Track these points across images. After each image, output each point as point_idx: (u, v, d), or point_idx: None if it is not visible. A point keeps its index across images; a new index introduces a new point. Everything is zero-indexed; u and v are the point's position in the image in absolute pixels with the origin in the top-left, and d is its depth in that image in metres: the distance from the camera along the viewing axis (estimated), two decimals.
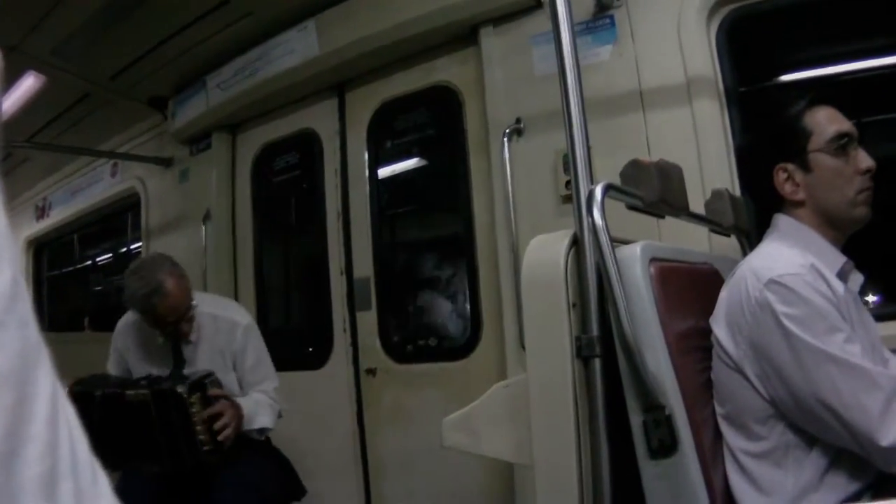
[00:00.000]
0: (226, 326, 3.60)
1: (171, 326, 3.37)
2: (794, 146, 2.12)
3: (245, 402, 3.37)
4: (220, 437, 3.15)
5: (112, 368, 3.68)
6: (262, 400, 3.50)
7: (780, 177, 2.14)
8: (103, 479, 0.80)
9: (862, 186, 2.08)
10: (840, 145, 2.07)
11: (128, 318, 3.71)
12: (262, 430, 3.48)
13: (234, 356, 3.58)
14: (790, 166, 2.12)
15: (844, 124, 2.12)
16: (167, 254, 3.52)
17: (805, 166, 2.11)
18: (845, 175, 2.07)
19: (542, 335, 1.93)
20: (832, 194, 2.09)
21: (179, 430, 3.08)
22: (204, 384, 3.20)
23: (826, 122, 2.11)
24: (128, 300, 3.34)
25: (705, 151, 3.24)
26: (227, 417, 3.19)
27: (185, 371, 3.46)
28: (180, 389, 3.08)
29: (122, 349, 3.68)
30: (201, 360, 3.53)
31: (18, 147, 6.56)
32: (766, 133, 2.29)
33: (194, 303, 3.45)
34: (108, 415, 3.12)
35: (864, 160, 2.08)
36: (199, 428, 3.10)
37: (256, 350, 3.65)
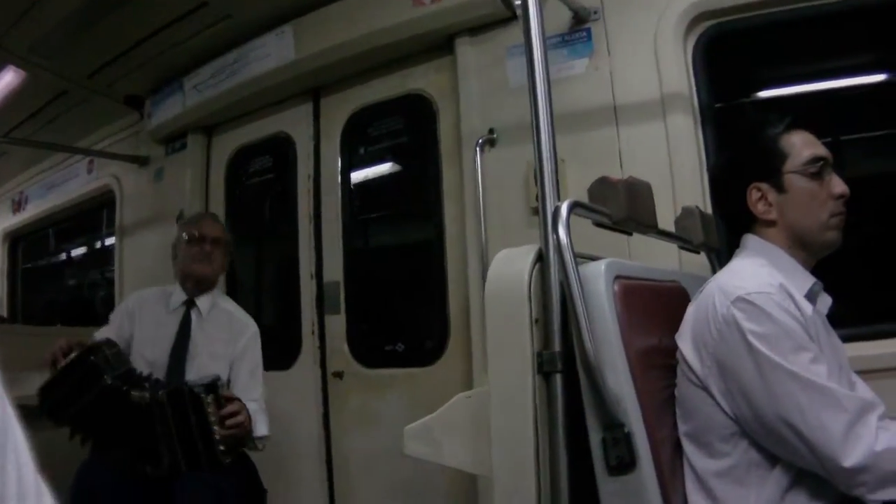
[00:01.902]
0: (238, 325, 3.74)
1: (198, 246, 3.64)
2: (770, 166, 2.13)
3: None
4: (233, 433, 3.20)
5: (109, 334, 3.63)
6: (258, 409, 3.52)
7: (754, 196, 2.15)
8: (48, 499, 0.80)
9: (834, 211, 2.09)
10: (816, 169, 2.09)
11: (148, 290, 3.91)
12: (260, 439, 3.49)
13: (234, 355, 3.65)
14: (764, 186, 2.13)
15: (821, 149, 2.14)
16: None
17: (779, 187, 2.12)
18: (819, 198, 2.09)
19: (504, 349, 1.94)
20: (805, 216, 2.10)
21: (196, 430, 3.10)
22: (217, 386, 3.24)
23: (803, 145, 2.13)
24: (180, 226, 3.80)
25: (678, 167, 3.25)
26: (242, 416, 3.24)
27: (190, 346, 3.60)
28: (197, 391, 3.12)
29: (132, 311, 3.74)
30: (207, 337, 3.64)
31: None
32: (741, 151, 2.30)
33: (225, 253, 3.82)
34: (106, 404, 3.13)
35: (838, 185, 2.10)
36: (215, 428, 3.13)
37: (256, 357, 3.74)
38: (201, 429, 3.09)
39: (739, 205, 2.18)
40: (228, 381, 3.60)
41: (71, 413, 3.16)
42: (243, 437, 3.31)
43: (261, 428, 3.46)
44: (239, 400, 3.33)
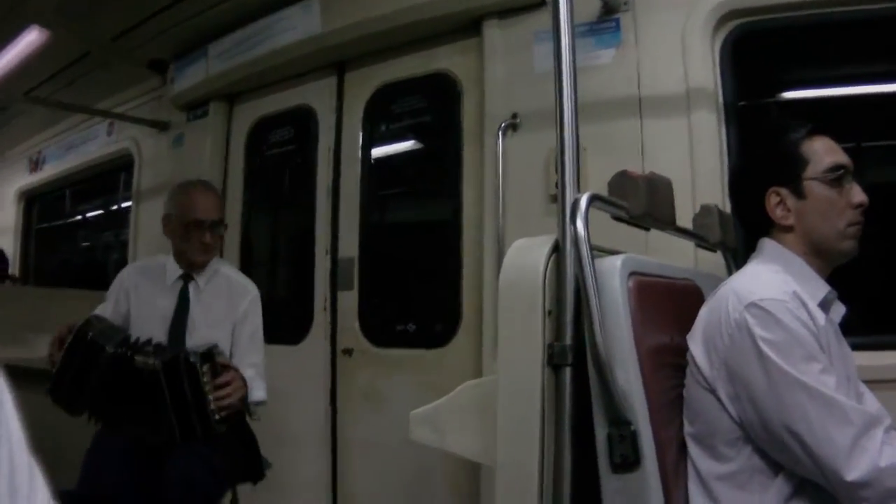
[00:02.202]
0: (238, 289, 3.70)
1: (197, 232, 3.49)
2: (790, 172, 2.11)
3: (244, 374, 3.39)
4: (226, 403, 3.18)
5: (106, 311, 3.63)
6: (255, 375, 3.51)
7: (773, 200, 2.13)
8: (40, 479, 0.80)
9: (852, 220, 2.07)
10: (836, 176, 2.07)
11: (139, 262, 3.94)
12: (258, 404, 3.50)
13: (235, 320, 3.63)
14: (783, 191, 2.12)
15: (842, 157, 2.12)
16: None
17: (799, 193, 2.10)
18: (838, 206, 2.07)
19: (515, 339, 1.93)
20: (823, 224, 2.08)
21: (191, 399, 3.08)
22: (212, 354, 3.21)
23: (824, 152, 2.11)
24: (170, 199, 3.63)
25: (699, 164, 3.24)
26: (235, 385, 3.24)
27: (189, 320, 3.55)
28: (193, 359, 3.10)
29: (128, 287, 3.68)
30: (207, 308, 3.59)
31: (15, 101, 6.54)
32: (762, 155, 2.28)
33: (223, 232, 3.71)
34: (115, 373, 3.13)
35: (858, 194, 2.08)
36: (210, 398, 3.12)
37: (256, 321, 3.71)
38: (195, 398, 3.08)
39: (757, 208, 2.17)
40: (232, 346, 3.60)
41: (86, 398, 3.17)
42: (238, 405, 3.29)
43: (257, 393, 3.47)
44: (235, 369, 3.33)
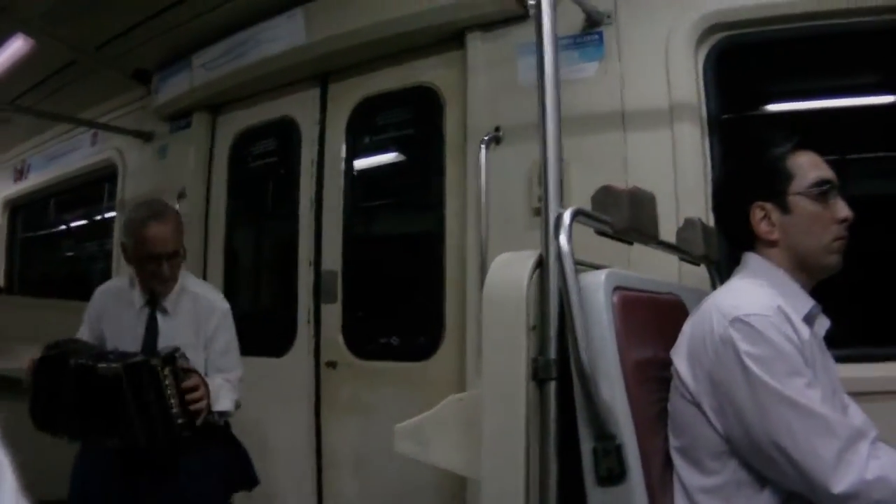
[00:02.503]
0: (205, 306, 3.60)
1: (154, 263, 3.37)
2: (775, 186, 2.12)
3: (210, 382, 3.33)
4: (192, 408, 3.12)
5: (83, 334, 3.62)
6: (223, 384, 3.45)
7: (757, 215, 2.13)
8: (8, 471, 0.80)
9: (837, 235, 2.08)
10: (821, 191, 2.07)
11: (109, 284, 3.77)
12: (222, 414, 3.43)
13: (206, 337, 3.57)
14: (768, 205, 2.12)
15: (827, 172, 2.12)
16: None
17: (784, 207, 2.10)
18: (823, 221, 2.08)
19: (499, 354, 1.93)
20: (807, 239, 2.09)
21: (153, 403, 3.03)
22: (174, 357, 3.15)
23: (809, 167, 2.11)
24: (125, 227, 3.42)
25: (682, 177, 3.25)
26: (201, 391, 3.18)
27: (159, 343, 3.45)
28: (154, 362, 3.04)
29: (99, 312, 3.64)
30: (176, 332, 3.51)
31: (0, 109, 6.53)
32: (747, 169, 2.29)
33: (183, 258, 3.53)
34: (80, 385, 3.08)
35: (843, 209, 2.08)
36: (172, 401, 3.06)
37: (228, 336, 3.64)
38: (158, 401, 3.04)
39: (742, 222, 2.17)
40: (206, 363, 3.55)
41: (62, 417, 3.14)
42: (202, 410, 3.21)
43: (223, 403, 3.39)
44: (198, 373, 3.27)
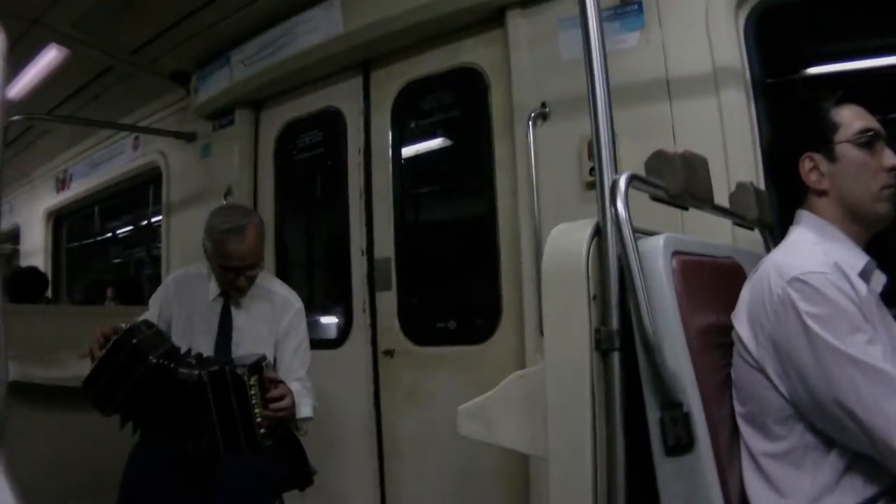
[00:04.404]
0: (280, 303, 3.64)
1: (231, 273, 3.41)
2: (822, 136, 2.13)
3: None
4: (278, 416, 3.16)
5: (150, 318, 3.60)
6: (302, 390, 3.48)
7: (806, 165, 2.15)
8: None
9: (886, 182, 2.07)
10: (867, 139, 2.08)
11: (184, 271, 3.80)
12: (304, 420, 3.45)
13: (279, 335, 3.60)
14: (816, 156, 2.13)
15: (872, 122, 2.13)
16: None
17: (831, 156, 2.11)
18: (870, 169, 2.08)
19: (561, 326, 1.91)
20: (856, 186, 2.09)
21: (237, 412, 3.04)
22: (261, 367, 3.17)
23: (854, 117, 2.13)
24: (206, 232, 3.42)
25: (731, 143, 3.21)
26: (288, 400, 3.21)
27: (234, 338, 3.53)
28: (240, 371, 3.05)
29: (171, 299, 3.68)
30: (250, 326, 3.56)
31: (39, 120, 6.58)
32: (794, 123, 2.31)
33: (261, 267, 3.55)
34: (155, 383, 3.10)
35: (890, 157, 2.08)
36: (256, 411, 3.07)
37: (301, 335, 3.67)
38: (242, 411, 3.04)
39: (792, 176, 2.19)
40: (274, 360, 3.57)
41: (119, 401, 3.14)
42: (286, 420, 3.27)
43: (304, 409, 3.42)
44: (284, 383, 3.28)
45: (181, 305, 3.64)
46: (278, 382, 3.25)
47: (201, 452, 3.13)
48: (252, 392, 3.06)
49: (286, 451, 3.46)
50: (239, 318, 3.56)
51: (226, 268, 3.40)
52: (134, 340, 3.14)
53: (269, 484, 3.25)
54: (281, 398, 3.17)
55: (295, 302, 3.69)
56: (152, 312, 3.66)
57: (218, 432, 3.05)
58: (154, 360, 3.10)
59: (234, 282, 3.45)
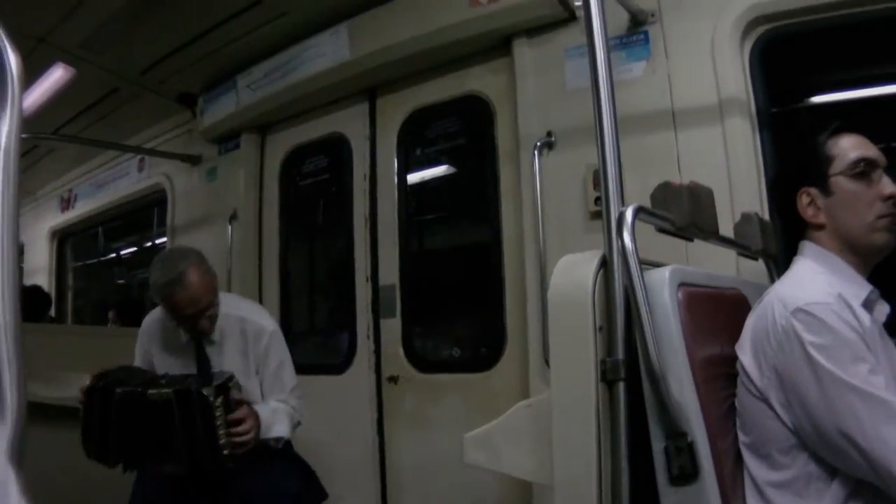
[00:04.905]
0: (252, 330, 3.58)
1: (189, 321, 3.35)
2: (817, 170, 2.14)
3: (262, 410, 3.34)
4: (239, 441, 3.11)
5: (139, 364, 3.66)
6: (279, 409, 3.47)
7: (804, 200, 2.16)
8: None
9: (882, 212, 2.07)
10: (860, 170, 2.09)
11: (153, 315, 3.72)
12: (277, 439, 3.44)
13: (258, 361, 3.57)
14: (812, 190, 2.15)
15: (869, 151, 2.13)
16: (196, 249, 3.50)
17: (826, 190, 2.13)
18: (865, 199, 2.08)
19: (567, 356, 1.93)
20: (851, 218, 2.10)
21: (201, 431, 3.03)
22: (227, 387, 3.15)
23: (849, 148, 2.13)
24: (150, 288, 3.36)
25: (735, 172, 3.23)
26: (248, 424, 3.17)
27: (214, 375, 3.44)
28: (206, 391, 3.03)
29: (148, 345, 3.66)
30: (225, 361, 3.51)
31: (44, 139, 6.59)
32: (791, 158, 2.35)
33: (219, 301, 3.47)
34: (129, 413, 3.09)
35: (888, 186, 2.09)
36: (221, 432, 3.05)
37: (279, 356, 3.63)
38: (206, 430, 3.03)
39: (792, 211, 2.20)
40: (261, 386, 3.57)
41: (114, 446, 3.13)
42: (248, 443, 3.20)
43: (278, 428, 3.41)
44: (248, 405, 3.27)
45: (157, 352, 3.63)
46: (243, 404, 3.24)
47: (174, 470, 3.15)
48: (217, 413, 3.05)
49: (296, 471, 3.49)
50: (214, 355, 3.53)
51: (182, 317, 3.35)
52: (101, 383, 3.15)
53: (287, 498, 3.27)
54: (240, 422, 3.15)
55: (268, 326, 3.64)
56: (139, 357, 3.69)
57: (182, 449, 3.04)
58: (119, 392, 3.11)
59: (195, 327, 3.40)
